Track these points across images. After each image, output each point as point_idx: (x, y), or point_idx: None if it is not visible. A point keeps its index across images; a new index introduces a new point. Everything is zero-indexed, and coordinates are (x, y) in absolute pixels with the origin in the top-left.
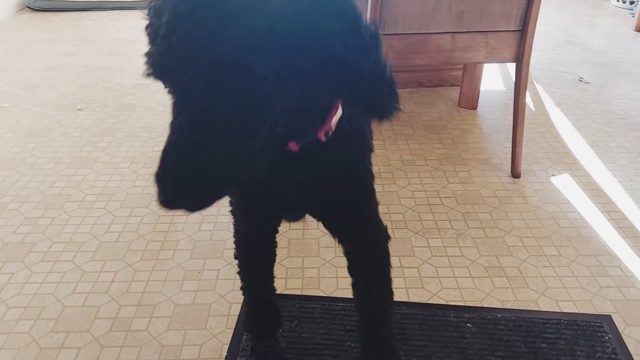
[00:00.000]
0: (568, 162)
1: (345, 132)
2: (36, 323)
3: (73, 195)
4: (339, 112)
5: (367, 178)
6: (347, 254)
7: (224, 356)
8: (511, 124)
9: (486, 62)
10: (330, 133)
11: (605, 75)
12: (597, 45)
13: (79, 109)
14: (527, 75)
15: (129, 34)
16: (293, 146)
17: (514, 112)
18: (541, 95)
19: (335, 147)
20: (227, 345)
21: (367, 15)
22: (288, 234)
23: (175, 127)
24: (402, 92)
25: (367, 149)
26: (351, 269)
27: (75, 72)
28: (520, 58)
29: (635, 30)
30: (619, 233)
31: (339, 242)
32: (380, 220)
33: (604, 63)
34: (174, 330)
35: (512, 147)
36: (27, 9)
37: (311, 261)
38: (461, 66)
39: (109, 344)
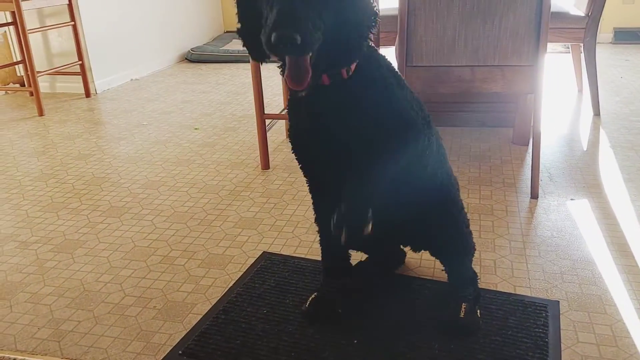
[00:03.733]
0: (593, 191)
1: (363, 76)
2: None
3: (167, 182)
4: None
5: (393, 117)
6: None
7: None
8: (559, 159)
9: (504, 92)
10: (350, 73)
11: None
12: None
13: (196, 129)
14: (541, 105)
15: None
16: (325, 79)
17: (533, 140)
18: (601, 138)
19: (358, 83)
20: None
21: (396, 51)
22: None
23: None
24: (463, 130)
25: (393, 93)
26: None
27: (202, 104)
28: (535, 90)
29: None
30: (608, 247)
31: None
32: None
33: None
34: None
35: (531, 170)
36: (186, 60)
37: None
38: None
39: None
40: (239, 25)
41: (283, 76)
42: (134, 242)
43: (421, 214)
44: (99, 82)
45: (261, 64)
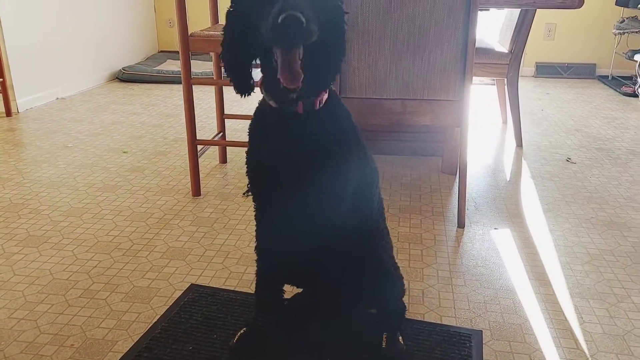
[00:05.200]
0: (515, 221)
1: (330, 109)
2: None
3: (92, 209)
4: (326, 95)
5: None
6: None
7: None
8: (485, 189)
9: (432, 125)
10: (321, 104)
11: (596, 158)
12: (603, 134)
13: (124, 152)
14: (466, 138)
15: None
16: (300, 108)
17: (459, 171)
18: (522, 169)
19: (324, 116)
20: None
21: None
22: None
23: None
24: (395, 158)
25: (349, 127)
26: None
27: (132, 126)
28: (460, 123)
29: None
30: (528, 276)
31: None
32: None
33: (600, 149)
34: None
35: (458, 200)
36: (117, 79)
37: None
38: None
39: None
40: (224, 51)
41: (277, 77)
42: (52, 274)
43: (355, 252)
44: (21, 101)
45: (244, 97)
